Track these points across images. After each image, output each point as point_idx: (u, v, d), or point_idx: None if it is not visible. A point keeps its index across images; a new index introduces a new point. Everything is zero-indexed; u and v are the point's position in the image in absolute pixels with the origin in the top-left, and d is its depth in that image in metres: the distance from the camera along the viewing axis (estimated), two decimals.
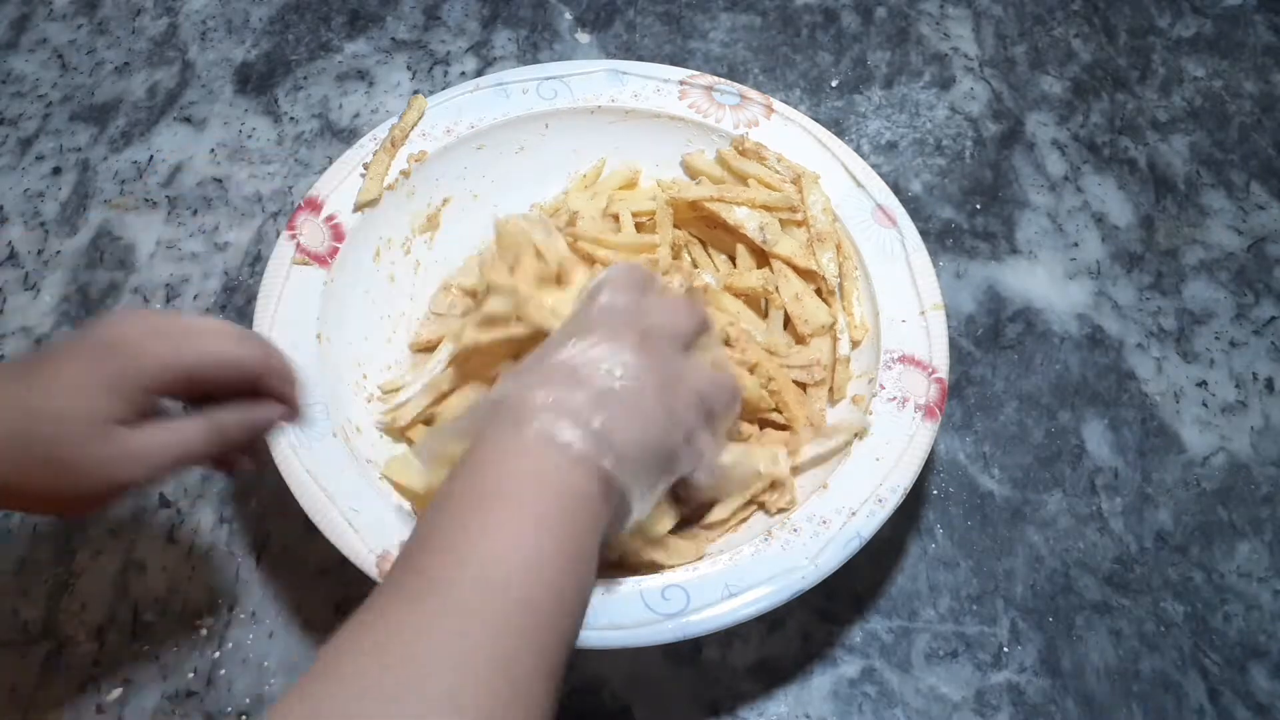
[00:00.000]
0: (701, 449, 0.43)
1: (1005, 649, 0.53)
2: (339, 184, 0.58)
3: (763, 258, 0.59)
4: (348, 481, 0.49)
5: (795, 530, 0.48)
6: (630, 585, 0.47)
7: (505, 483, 0.36)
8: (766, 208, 0.58)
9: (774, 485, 0.52)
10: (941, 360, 0.54)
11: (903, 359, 0.54)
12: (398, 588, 0.34)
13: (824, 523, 0.49)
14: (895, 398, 0.53)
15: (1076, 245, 0.68)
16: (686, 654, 0.52)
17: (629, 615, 0.46)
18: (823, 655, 0.53)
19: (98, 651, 0.52)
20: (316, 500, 0.48)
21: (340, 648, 0.32)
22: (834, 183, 0.60)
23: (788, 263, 0.58)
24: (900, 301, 0.56)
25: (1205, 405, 0.62)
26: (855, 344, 0.57)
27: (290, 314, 0.54)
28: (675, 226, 0.60)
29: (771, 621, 0.53)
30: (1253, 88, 0.77)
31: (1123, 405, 0.61)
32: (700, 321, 0.44)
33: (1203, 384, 0.63)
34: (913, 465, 0.50)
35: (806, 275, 0.58)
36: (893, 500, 0.49)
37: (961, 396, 0.61)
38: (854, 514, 0.49)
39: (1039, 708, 0.51)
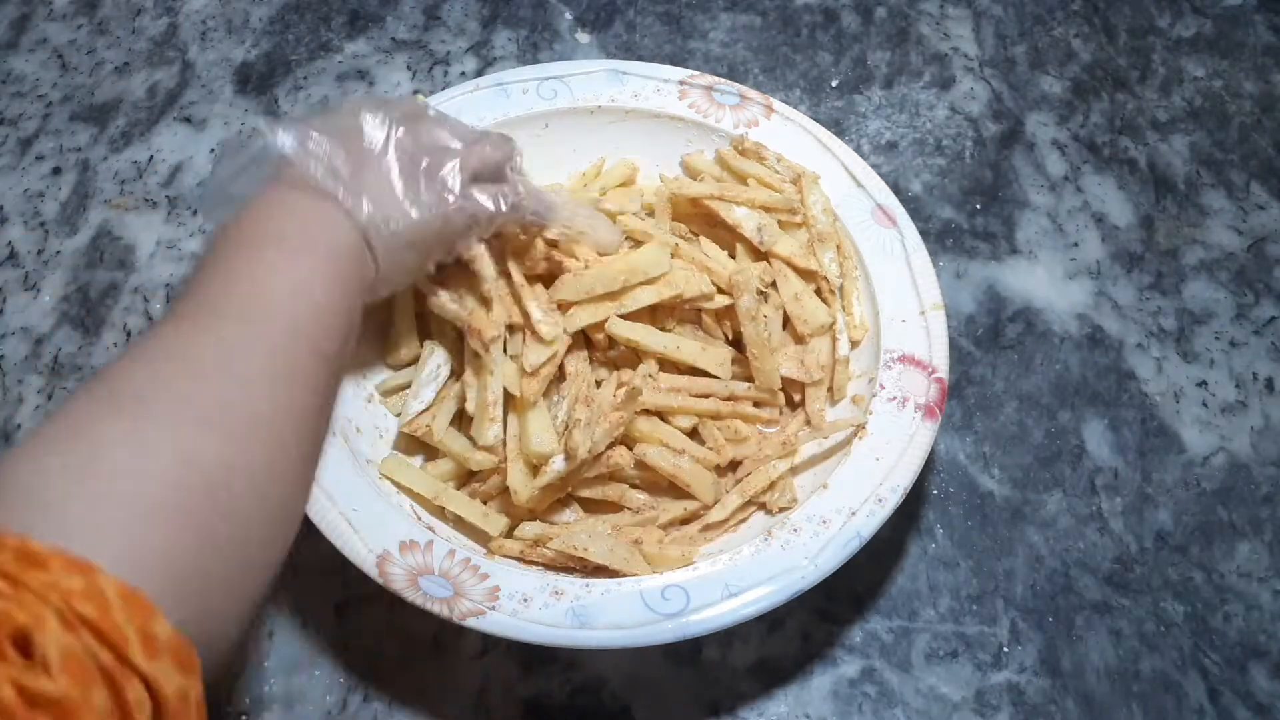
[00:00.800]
0: (474, 199, 0.47)
1: (1005, 649, 0.53)
2: None
3: (760, 257, 0.59)
4: (347, 481, 0.49)
5: (795, 530, 0.49)
6: (630, 585, 0.47)
7: (273, 225, 0.41)
8: (766, 208, 0.58)
9: (774, 485, 0.52)
10: (941, 360, 0.53)
11: (903, 359, 0.54)
12: (174, 316, 0.37)
13: (824, 523, 0.49)
14: (895, 397, 0.53)
15: (1076, 245, 0.68)
16: (686, 654, 0.52)
17: (629, 615, 0.46)
18: (823, 655, 0.53)
19: None
20: (316, 500, 0.48)
21: (112, 368, 0.35)
22: (834, 183, 0.60)
23: (787, 262, 0.58)
24: (900, 301, 0.56)
25: (1205, 405, 0.62)
26: (855, 344, 0.57)
27: None
28: (674, 220, 0.60)
29: (771, 621, 0.53)
30: (1253, 88, 0.77)
31: (1123, 405, 0.61)
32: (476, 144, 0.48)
33: (1203, 384, 0.63)
34: (913, 465, 0.50)
35: (806, 275, 0.58)
36: (893, 500, 0.49)
37: (961, 396, 0.61)
38: (854, 514, 0.49)
39: (1039, 708, 0.51)
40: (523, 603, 0.46)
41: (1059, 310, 0.65)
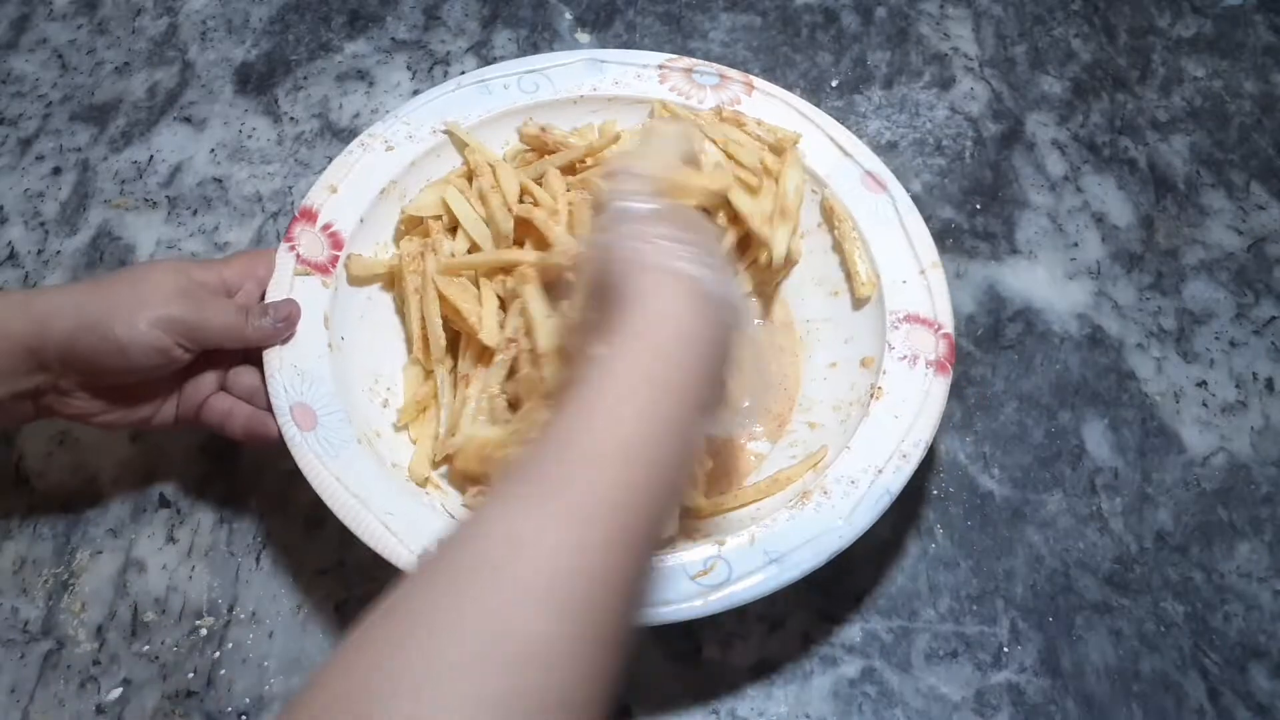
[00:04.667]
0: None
1: (1005, 649, 0.53)
2: (331, 193, 0.58)
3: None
4: (379, 486, 0.49)
5: (826, 493, 0.50)
6: (671, 560, 0.48)
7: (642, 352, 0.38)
8: (737, 161, 0.59)
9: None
10: (946, 316, 0.55)
11: (908, 318, 0.55)
12: (523, 483, 0.35)
13: (853, 483, 0.50)
14: (906, 356, 0.54)
15: (1076, 245, 0.68)
16: (686, 654, 0.52)
17: (674, 591, 0.47)
18: (823, 655, 0.53)
19: (98, 651, 0.52)
20: (350, 507, 0.48)
21: (458, 543, 0.33)
22: (820, 153, 0.61)
23: (746, 219, 0.58)
24: (899, 263, 0.57)
25: (1205, 405, 0.62)
26: (862, 301, 0.57)
27: (299, 325, 0.53)
28: None
29: (771, 621, 0.53)
30: (1253, 88, 0.77)
31: (1123, 405, 0.61)
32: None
33: (1203, 384, 0.63)
34: (931, 420, 0.51)
35: (756, 241, 0.59)
36: (916, 455, 0.50)
37: (962, 396, 0.61)
38: (880, 471, 0.50)
39: (1039, 708, 0.52)
40: None
41: (1059, 310, 0.65)
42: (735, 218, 0.59)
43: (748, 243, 0.59)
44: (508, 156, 0.62)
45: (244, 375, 0.52)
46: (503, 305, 0.56)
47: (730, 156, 0.58)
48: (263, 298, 0.54)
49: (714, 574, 0.47)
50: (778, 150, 0.60)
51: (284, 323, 0.52)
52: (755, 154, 0.59)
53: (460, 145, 0.61)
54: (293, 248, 0.55)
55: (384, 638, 0.30)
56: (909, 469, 0.50)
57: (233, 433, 0.52)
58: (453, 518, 0.50)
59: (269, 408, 0.51)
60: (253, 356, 0.53)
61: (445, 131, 0.61)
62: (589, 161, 0.60)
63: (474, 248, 0.58)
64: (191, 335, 0.49)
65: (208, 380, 0.52)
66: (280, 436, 0.50)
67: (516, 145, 0.62)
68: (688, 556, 0.48)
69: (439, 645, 0.29)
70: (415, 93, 0.74)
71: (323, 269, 0.56)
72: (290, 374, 0.51)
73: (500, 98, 0.62)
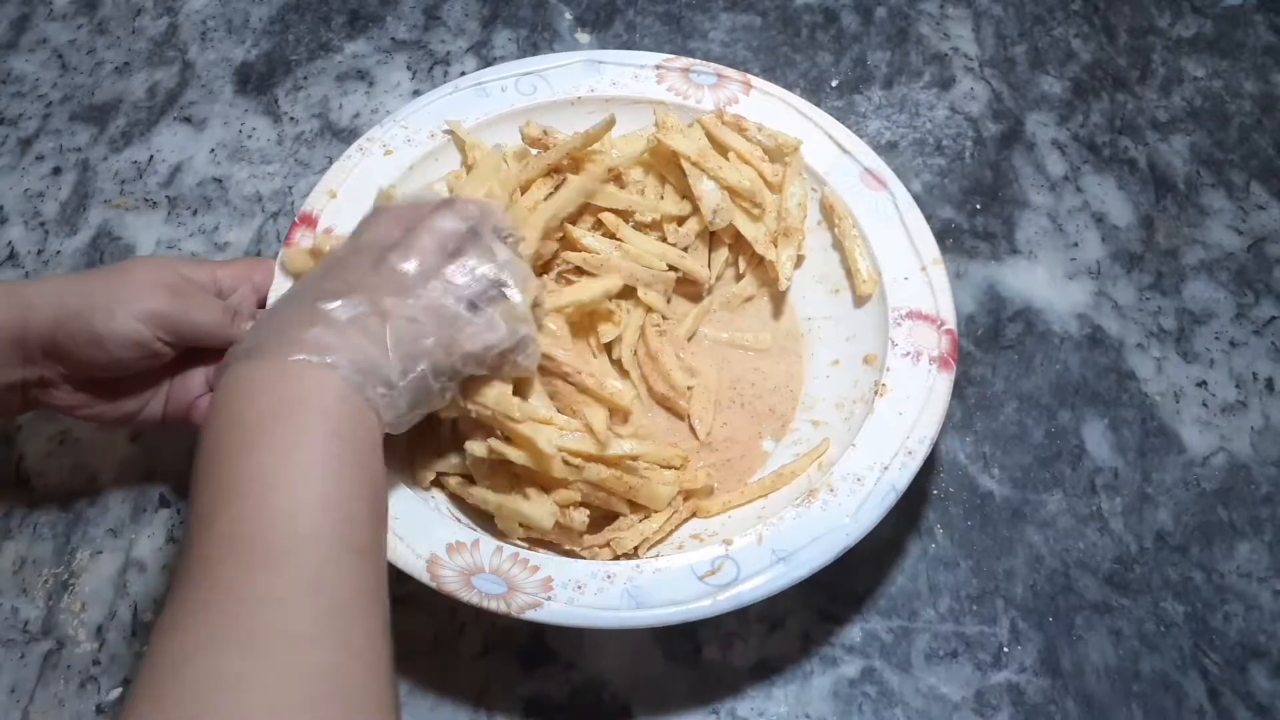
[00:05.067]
0: (476, 333, 0.45)
1: (1005, 649, 0.53)
2: (331, 199, 0.58)
3: (706, 230, 0.60)
4: None
5: (832, 490, 0.50)
6: (680, 560, 0.48)
7: (275, 421, 0.38)
8: (733, 191, 0.59)
9: None
10: (948, 312, 0.55)
11: (911, 314, 0.55)
12: (204, 565, 0.35)
13: (858, 480, 0.50)
14: (909, 353, 0.54)
15: (1076, 245, 0.68)
16: (686, 654, 0.52)
17: (684, 591, 0.47)
18: (823, 655, 0.53)
19: (98, 651, 0.52)
20: None
21: (169, 651, 0.33)
22: (819, 151, 0.61)
23: (751, 244, 0.59)
24: (900, 260, 0.57)
25: (1205, 405, 0.62)
26: (864, 299, 0.57)
27: None
28: (651, 161, 0.61)
29: (771, 621, 0.53)
30: (1253, 88, 0.77)
31: (1123, 405, 0.61)
32: (465, 227, 0.47)
33: (1203, 384, 0.63)
34: (935, 416, 0.51)
35: (763, 263, 0.60)
36: (921, 451, 0.50)
37: (962, 396, 0.61)
38: (886, 468, 0.50)
39: (1039, 708, 0.52)
40: (578, 590, 0.46)
41: (1059, 310, 0.65)
42: (739, 240, 0.60)
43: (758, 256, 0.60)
44: (509, 157, 0.62)
45: None
46: None
47: (729, 188, 0.58)
48: (263, 304, 0.54)
49: (722, 574, 0.47)
50: (777, 156, 0.60)
51: None
52: (752, 179, 0.59)
53: (461, 146, 0.61)
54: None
55: None
56: (915, 465, 0.50)
57: None
58: (458, 521, 0.50)
59: None
60: None
61: (447, 132, 0.61)
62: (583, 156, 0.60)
63: None
64: (173, 329, 0.48)
65: (197, 380, 0.52)
66: None
67: (519, 145, 0.62)
68: (695, 557, 0.48)
69: None
70: (415, 93, 0.74)
71: None
72: None
73: (498, 100, 0.62)
